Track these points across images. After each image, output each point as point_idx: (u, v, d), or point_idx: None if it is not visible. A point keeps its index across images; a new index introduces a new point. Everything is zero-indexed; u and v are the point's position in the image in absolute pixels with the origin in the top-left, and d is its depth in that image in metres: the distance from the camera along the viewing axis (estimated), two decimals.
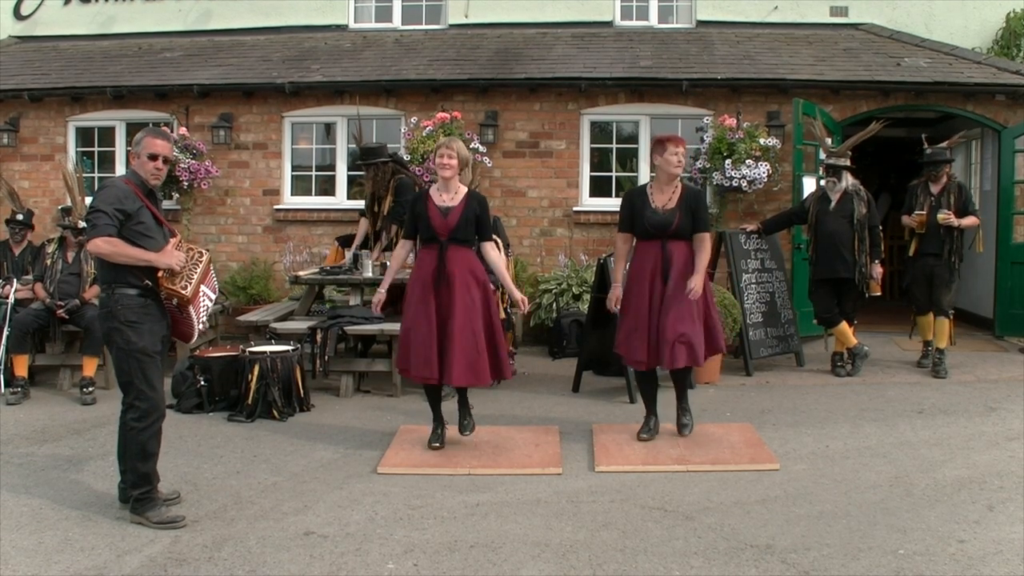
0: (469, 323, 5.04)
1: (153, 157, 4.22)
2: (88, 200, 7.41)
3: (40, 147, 9.93)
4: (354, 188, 9.74)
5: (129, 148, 9.34)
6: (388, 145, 7.99)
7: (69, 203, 7.64)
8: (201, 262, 4.29)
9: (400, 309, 6.42)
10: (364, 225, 7.70)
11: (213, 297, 4.43)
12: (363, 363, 7.07)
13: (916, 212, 7.37)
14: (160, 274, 4.14)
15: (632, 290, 5.31)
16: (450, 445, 5.32)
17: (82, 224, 7.03)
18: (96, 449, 5.32)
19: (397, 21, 11.06)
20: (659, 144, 5.31)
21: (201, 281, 4.28)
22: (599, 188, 9.47)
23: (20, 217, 7.80)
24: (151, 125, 8.76)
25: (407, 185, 7.41)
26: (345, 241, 8.11)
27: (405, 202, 7.21)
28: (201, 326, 4.35)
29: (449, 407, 5.50)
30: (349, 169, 9.65)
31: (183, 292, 4.17)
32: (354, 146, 7.75)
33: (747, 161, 8.47)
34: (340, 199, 9.64)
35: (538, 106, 9.35)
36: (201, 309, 4.30)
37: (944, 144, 7.56)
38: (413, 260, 5.52)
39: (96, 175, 9.95)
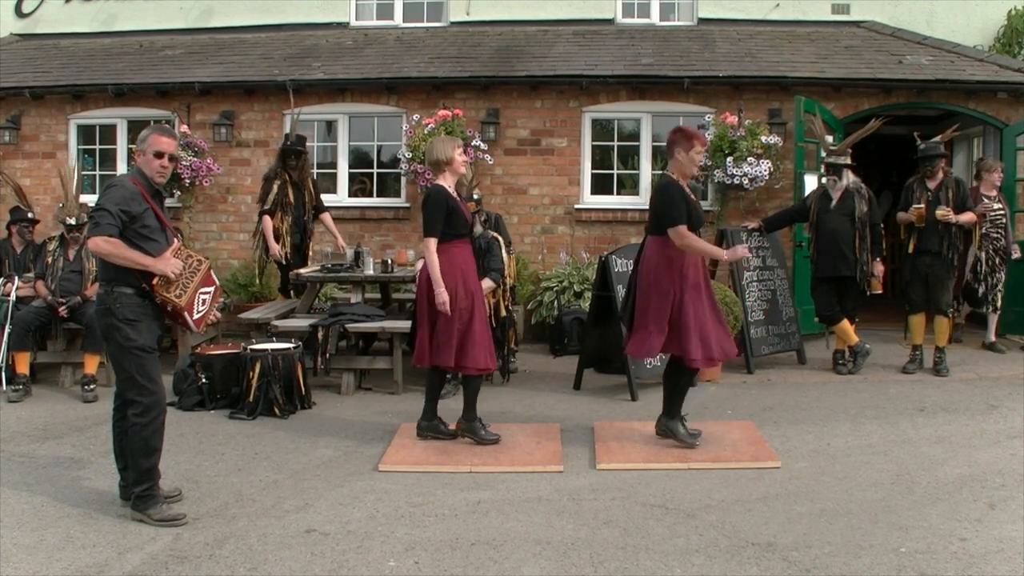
0: None
1: (159, 155, 4.19)
2: (84, 198, 7.55)
3: (41, 145, 9.93)
4: (355, 186, 9.75)
5: (132, 146, 9.47)
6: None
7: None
8: (199, 271, 4.27)
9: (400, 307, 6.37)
10: (270, 224, 7.66)
11: (210, 291, 4.38)
12: (364, 361, 7.08)
13: (914, 206, 7.29)
14: (155, 281, 4.12)
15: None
16: (451, 443, 5.32)
17: (71, 221, 7.05)
18: (97, 447, 5.32)
19: (398, 19, 11.05)
20: (687, 139, 5.08)
21: (198, 289, 4.25)
22: (600, 186, 9.46)
23: (31, 215, 7.96)
24: (153, 123, 8.81)
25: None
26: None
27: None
28: (198, 315, 4.31)
29: (449, 404, 5.50)
30: (350, 167, 9.66)
31: (177, 301, 4.16)
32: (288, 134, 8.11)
33: (748, 159, 8.48)
34: (341, 196, 9.62)
35: (539, 104, 9.34)
36: (196, 305, 4.26)
37: (937, 139, 7.49)
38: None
39: (97, 173, 9.96)
